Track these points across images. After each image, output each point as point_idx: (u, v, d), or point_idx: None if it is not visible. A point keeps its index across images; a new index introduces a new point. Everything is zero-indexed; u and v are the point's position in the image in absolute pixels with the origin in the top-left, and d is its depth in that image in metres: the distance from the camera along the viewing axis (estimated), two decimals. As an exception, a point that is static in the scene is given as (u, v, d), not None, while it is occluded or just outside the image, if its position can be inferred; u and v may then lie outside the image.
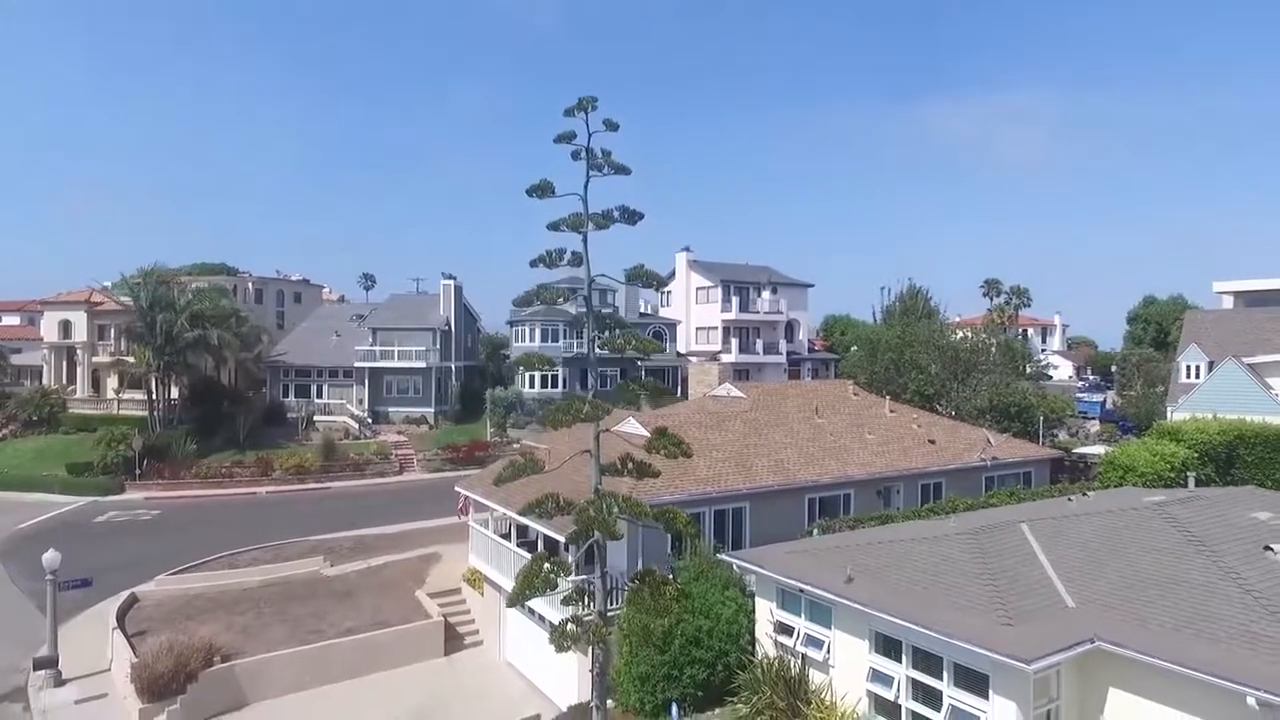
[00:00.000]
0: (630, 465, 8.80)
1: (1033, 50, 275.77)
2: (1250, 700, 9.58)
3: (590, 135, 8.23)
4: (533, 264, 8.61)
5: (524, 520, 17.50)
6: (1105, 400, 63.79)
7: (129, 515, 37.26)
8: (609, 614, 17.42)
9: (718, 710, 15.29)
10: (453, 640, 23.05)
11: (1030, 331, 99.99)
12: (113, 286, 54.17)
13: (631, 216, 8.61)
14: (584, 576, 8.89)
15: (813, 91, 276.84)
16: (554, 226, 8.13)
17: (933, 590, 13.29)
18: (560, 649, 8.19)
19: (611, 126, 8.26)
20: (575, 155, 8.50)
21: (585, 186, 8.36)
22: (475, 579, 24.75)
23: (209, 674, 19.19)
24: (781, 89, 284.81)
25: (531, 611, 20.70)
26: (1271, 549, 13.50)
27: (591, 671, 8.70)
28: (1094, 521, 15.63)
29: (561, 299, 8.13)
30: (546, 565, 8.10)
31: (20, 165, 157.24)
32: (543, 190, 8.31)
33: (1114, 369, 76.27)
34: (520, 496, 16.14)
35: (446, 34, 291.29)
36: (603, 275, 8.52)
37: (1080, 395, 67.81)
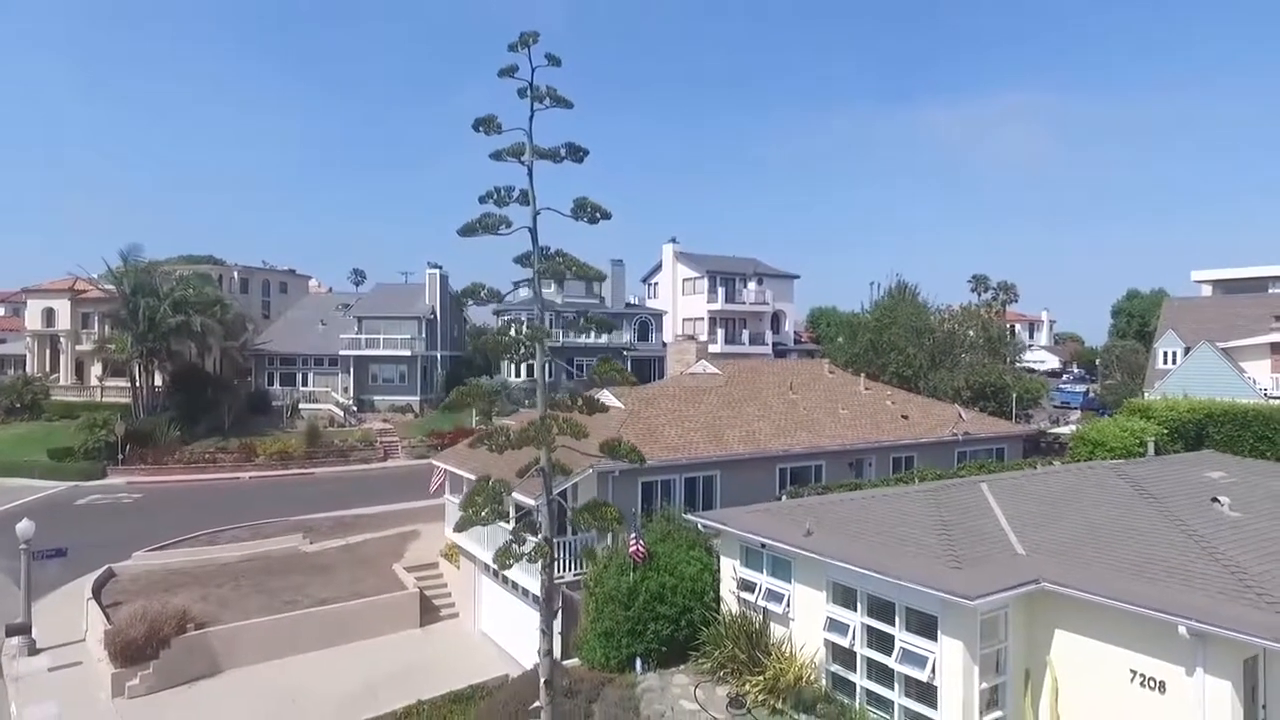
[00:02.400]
0: (580, 401, 9.00)
1: (1026, 53, 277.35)
2: (1181, 629, 9.87)
3: (534, 70, 8.48)
4: (481, 200, 8.79)
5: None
6: (1088, 390, 64.43)
7: (110, 499, 37.23)
8: (574, 578, 17.71)
9: (682, 666, 15.53)
10: (429, 612, 23.22)
11: (1018, 327, 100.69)
12: (98, 277, 54.06)
13: (577, 152, 8.81)
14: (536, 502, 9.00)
15: (809, 91, 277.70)
16: (496, 155, 8.35)
17: (888, 541, 13.56)
18: (503, 566, 8.39)
19: (554, 61, 8.47)
20: (521, 93, 8.71)
21: (530, 120, 8.57)
22: (452, 554, 24.91)
23: (182, 640, 19.30)
24: (780, 88, 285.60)
25: (505, 579, 20.90)
26: (1219, 500, 13.84)
27: (540, 597, 8.89)
28: (1052, 480, 15.98)
29: (505, 225, 8.30)
30: (490, 488, 8.31)
31: (9, 157, 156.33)
32: (488, 123, 8.51)
33: (1097, 361, 77.03)
34: (484, 463, 16.35)
35: (450, 32, 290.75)
36: (548, 208, 8.71)
37: (1063, 386, 68.55)
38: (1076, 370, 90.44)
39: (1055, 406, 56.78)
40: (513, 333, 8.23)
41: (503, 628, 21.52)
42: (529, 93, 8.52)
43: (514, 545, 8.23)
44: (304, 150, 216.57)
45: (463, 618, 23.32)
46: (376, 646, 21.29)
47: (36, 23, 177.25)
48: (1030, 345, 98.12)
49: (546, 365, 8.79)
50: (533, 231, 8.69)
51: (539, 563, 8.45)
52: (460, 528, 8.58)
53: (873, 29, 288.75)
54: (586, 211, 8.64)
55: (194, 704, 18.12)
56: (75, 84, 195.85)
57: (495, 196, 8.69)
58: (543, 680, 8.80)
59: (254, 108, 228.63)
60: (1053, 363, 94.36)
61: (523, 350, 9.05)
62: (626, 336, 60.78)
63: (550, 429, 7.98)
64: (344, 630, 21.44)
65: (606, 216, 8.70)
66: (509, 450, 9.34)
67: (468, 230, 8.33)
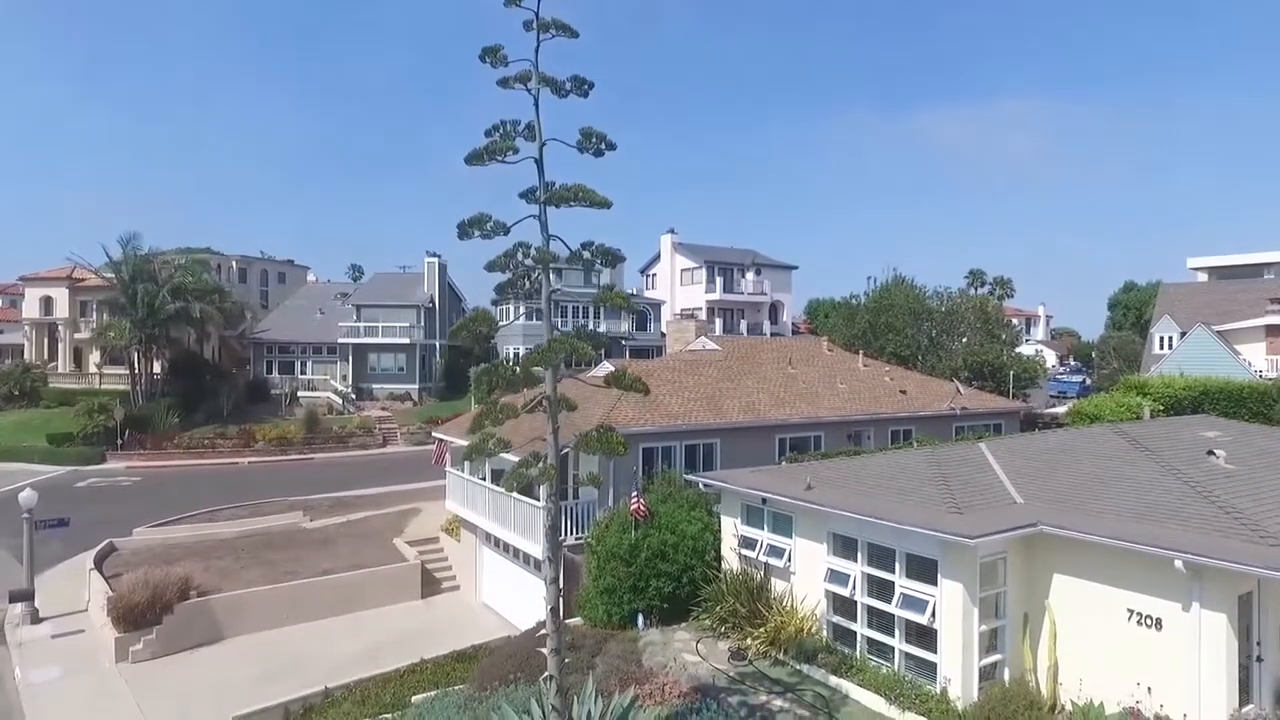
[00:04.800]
0: (585, 334, 9.13)
1: (1024, 58, 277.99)
2: (1178, 563, 10.00)
3: (539, 1, 8.61)
4: (488, 133, 8.89)
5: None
6: (1084, 380, 64.70)
7: (109, 482, 37.25)
8: (575, 541, 17.84)
9: (683, 623, 15.67)
10: (430, 584, 23.34)
11: (1015, 322, 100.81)
12: (98, 268, 53.92)
13: (582, 85, 8.89)
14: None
15: (810, 92, 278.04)
16: (503, 83, 8.42)
17: (888, 493, 13.71)
18: (509, 488, 8.49)
19: (560, -11, 8.66)
20: (527, 25, 8.82)
21: (536, 51, 8.67)
22: (453, 528, 25.04)
23: (185, 606, 19.39)
24: (781, 89, 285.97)
25: (506, 548, 21.03)
26: (1214, 453, 13.99)
27: (544, 526, 9.01)
28: (1050, 438, 16.13)
29: (512, 153, 8.41)
30: (497, 411, 8.41)
31: (6, 151, 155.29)
32: (494, 54, 8.61)
33: (1094, 354, 77.34)
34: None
35: (457, 32, 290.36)
36: (554, 139, 8.82)
37: (1060, 376, 68.86)
38: (1073, 363, 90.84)
39: (1051, 396, 57.03)
40: (519, 256, 8.32)
41: (504, 597, 21.64)
42: (534, 23, 8.63)
43: (522, 469, 8.33)
44: (302, 147, 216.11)
45: (464, 589, 23.44)
46: (378, 616, 21.41)
47: (35, 16, 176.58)
48: (1027, 340, 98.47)
49: (550, 299, 8.89)
50: (538, 162, 8.79)
51: (544, 487, 8.56)
52: (468, 455, 8.67)
53: (875, 32, 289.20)
54: (592, 142, 8.74)
55: (197, 667, 18.22)
56: (73, 78, 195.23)
57: (501, 130, 8.79)
58: (549, 608, 8.90)
59: (251, 104, 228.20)
60: (1050, 358, 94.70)
61: (527, 285, 9.15)
62: (624, 326, 60.94)
63: (556, 351, 8.09)
64: (346, 600, 21.55)
65: (612, 147, 8.80)
66: (514, 387, 9.45)
67: (475, 157, 8.43)
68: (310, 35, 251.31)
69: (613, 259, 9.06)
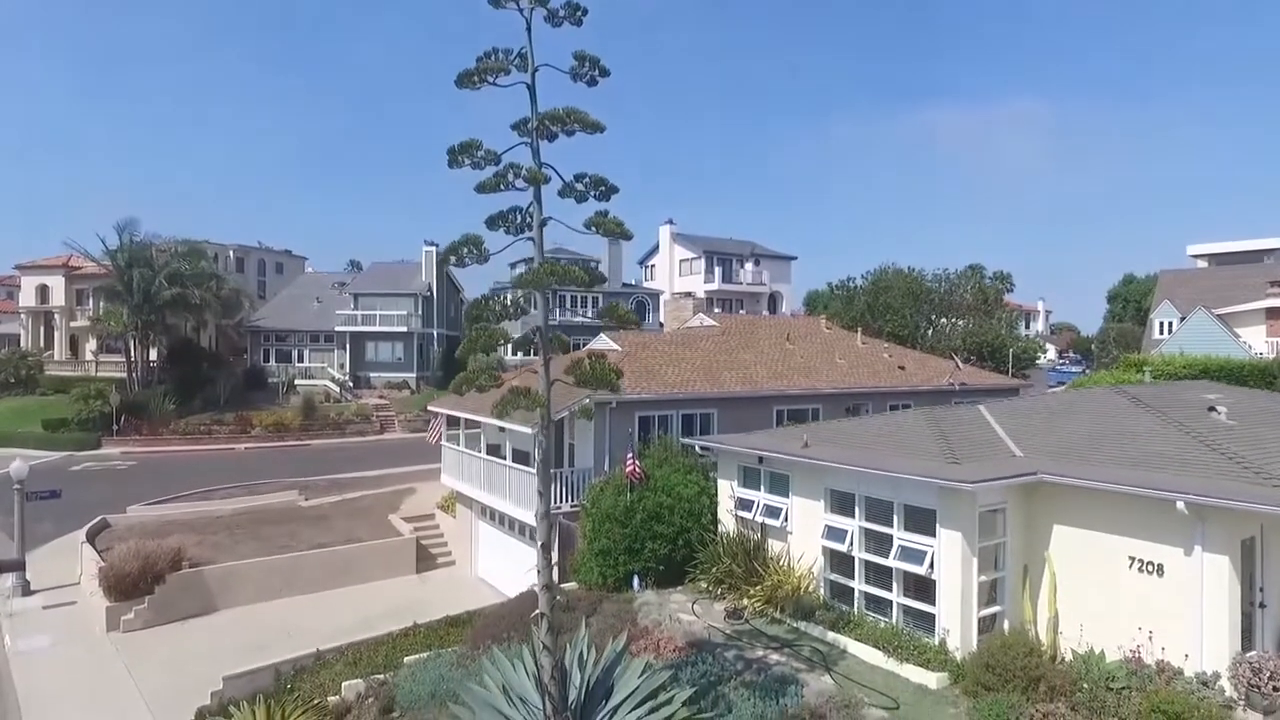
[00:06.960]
0: (577, 266, 8.99)
1: (1021, 57, 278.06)
2: (1180, 505, 9.85)
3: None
4: (478, 60, 8.76)
5: (481, 418, 17.63)
6: (1084, 370, 64.74)
7: (104, 466, 37.07)
8: (571, 509, 17.69)
9: (679, 586, 15.52)
10: (425, 560, 23.18)
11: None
12: (98, 256, 53.56)
13: (575, 10, 8.73)
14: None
15: (811, 95, 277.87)
16: (495, 2, 8.32)
17: (886, 448, 13.55)
18: (501, 415, 8.32)
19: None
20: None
21: (524, -26, 8.54)
22: (448, 505, 24.88)
23: (177, 577, 19.22)
24: (782, 90, 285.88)
25: (501, 520, 20.87)
26: (1215, 409, 13.84)
27: (534, 455, 8.85)
28: (1049, 398, 15.98)
29: (503, 74, 8.23)
30: (487, 335, 8.23)
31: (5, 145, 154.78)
32: (487, -14, 8.49)
33: (1094, 346, 77.31)
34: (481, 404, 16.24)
35: (461, 37, 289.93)
36: (547, 65, 8.65)
37: (1060, 366, 68.92)
38: (1073, 355, 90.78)
39: (1051, 386, 56.94)
40: (510, 177, 8.13)
41: (500, 571, 21.47)
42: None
43: (513, 398, 8.17)
44: (300, 143, 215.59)
45: (459, 564, 23.28)
46: (373, 589, 21.24)
47: (34, 11, 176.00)
48: (1026, 335, 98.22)
49: (542, 226, 8.73)
50: (530, 88, 8.63)
51: (534, 425, 8.40)
52: (458, 387, 8.50)
53: (876, 35, 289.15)
54: (586, 68, 8.57)
55: (188, 636, 18.07)
56: (72, 74, 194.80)
57: (493, 56, 8.63)
58: (540, 544, 8.74)
59: (249, 101, 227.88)
60: (1050, 352, 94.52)
61: (520, 219, 8.99)
62: (623, 315, 60.74)
63: (547, 275, 7.93)
64: (340, 573, 21.39)
65: (606, 74, 8.62)
66: (506, 320, 9.31)
67: (466, 78, 8.26)
68: (310, 33, 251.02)
69: (606, 190, 8.88)
